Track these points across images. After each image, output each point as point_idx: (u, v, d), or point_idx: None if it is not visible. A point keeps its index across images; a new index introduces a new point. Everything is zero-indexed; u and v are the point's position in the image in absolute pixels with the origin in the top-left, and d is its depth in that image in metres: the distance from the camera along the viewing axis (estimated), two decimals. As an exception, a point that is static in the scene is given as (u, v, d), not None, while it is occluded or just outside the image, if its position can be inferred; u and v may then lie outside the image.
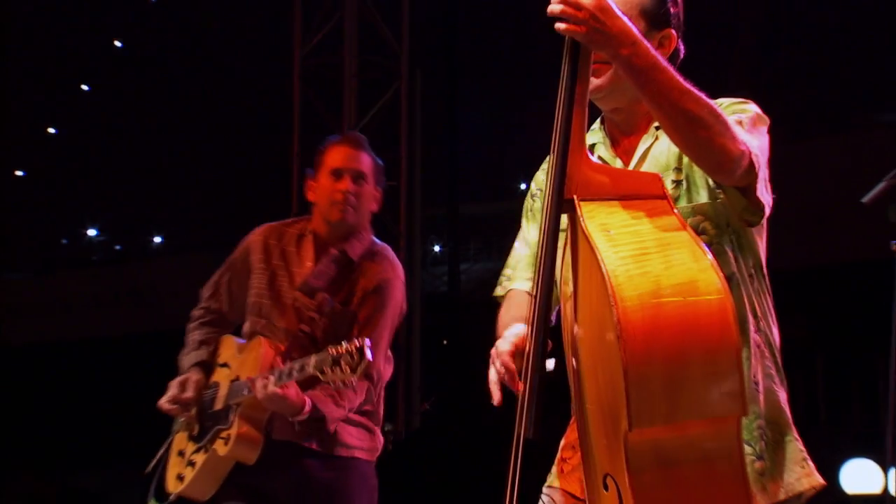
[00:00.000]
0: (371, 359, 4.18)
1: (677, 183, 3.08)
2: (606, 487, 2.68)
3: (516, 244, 3.47)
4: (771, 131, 3.12)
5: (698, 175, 3.08)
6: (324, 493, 4.70)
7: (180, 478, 4.70)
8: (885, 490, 5.49)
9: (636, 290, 2.58)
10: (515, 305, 3.29)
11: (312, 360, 4.31)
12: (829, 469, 9.77)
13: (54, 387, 19.21)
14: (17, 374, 20.17)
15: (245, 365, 4.68)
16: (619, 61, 2.84)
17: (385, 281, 4.75)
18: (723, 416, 2.62)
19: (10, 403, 17.09)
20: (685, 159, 3.07)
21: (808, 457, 3.07)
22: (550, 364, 2.85)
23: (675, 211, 2.78)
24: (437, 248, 17.02)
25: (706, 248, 2.69)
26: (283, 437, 4.62)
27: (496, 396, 2.98)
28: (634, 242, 2.68)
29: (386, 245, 4.94)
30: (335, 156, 4.81)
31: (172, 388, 4.74)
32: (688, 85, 2.84)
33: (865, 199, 3.76)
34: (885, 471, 5.39)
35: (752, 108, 3.08)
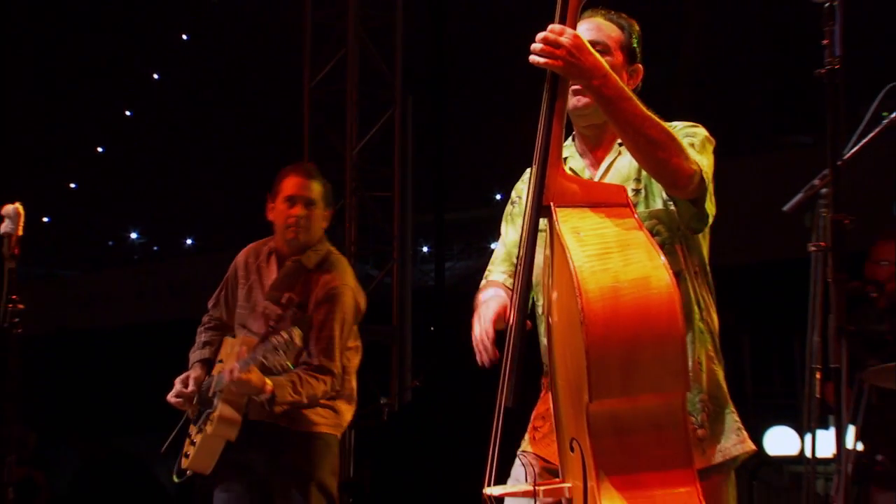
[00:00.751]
0: (300, 344, 4.44)
1: (637, 191, 3.10)
2: (573, 449, 2.72)
3: (497, 245, 3.48)
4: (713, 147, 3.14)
5: (655, 185, 3.10)
6: (292, 460, 4.75)
7: (187, 456, 4.76)
8: (801, 452, 5.48)
9: (598, 284, 2.63)
10: (491, 287, 3.30)
11: (260, 349, 4.51)
12: (755, 435, 9.75)
13: (102, 365, 19.17)
14: (72, 354, 20.14)
15: (229, 360, 4.75)
16: (591, 91, 2.87)
17: (334, 289, 4.81)
18: (670, 391, 2.67)
19: (67, 379, 17.05)
20: (643, 172, 3.09)
21: (742, 427, 3.12)
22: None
23: (636, 216, 2.80)
24: (425, 249, 17.02)
25: (660, 250, 2.73)
26: (258, 418, 4.70)
27: (484, 357, 3.00)
28: (599, 243, 2.72)
29: (341, 255, 5.01)
30: (289, 184, 4.87)
31: (177, 385, 4.81)
32: (648, 112, 2.87)
33: (786, 208, 3.75)
34: (801, 436, 5.38)
35: (702, 132, 3.12)
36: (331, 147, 10.33)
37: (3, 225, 4.36)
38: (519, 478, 3.05)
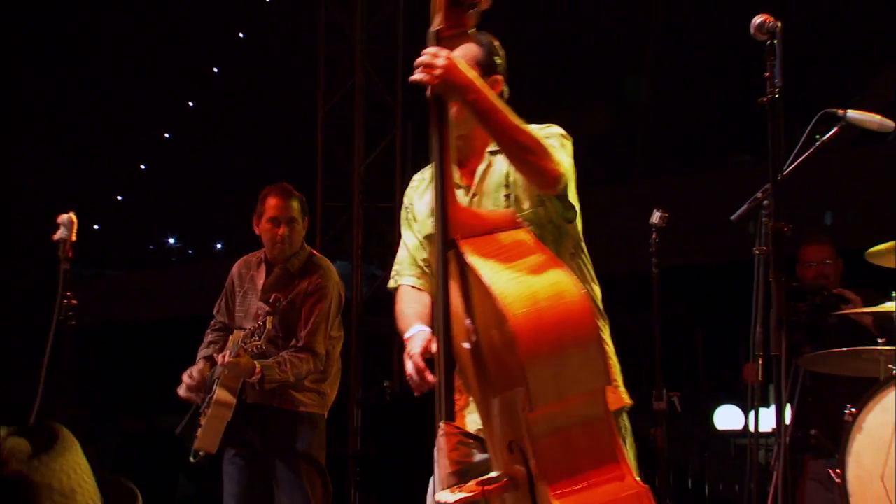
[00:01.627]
0: (270, 328, 4.49)
1: (507, 196, 3.06)
2: (512, 451, 2.62)
3: (401, 247, 3.35)
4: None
5: (521, 191, 3.06)
6: (283, 436, 4.78)
7: (197, 437, 4.74)
8: (745, 427, 5.48)
9: (522, 305, 2.50)
10: (408, 300, 3.21)
11: (241, 336, 4.64)
12: (706, 412, 9.82)
13: (143, 352, 19.16)
14: (117, 344, 20.13)
15: (226, 352, 4.78)
16: (466, 105, 2.82)
17: (319, 285, 4.84)
18: (595, 388, 2.60)
19: (112, 364, 17.04)
20: (510, 180, 3.06)
21: (618, 385, 3.04)
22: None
23: (529, 233, 2.74)
24: (423, 252, 17.01)
25: (562, 263, 2.66)
26: (254, 401, 4.74)
27: (417, 388, 2.96)
28: (508, 266, 2.60)
29: (322, 257, 5.02)
30: (271, 206, 4.90)
31: (184, 379, 4.84)
32: (518, 121, 2.83)
33: (733, 217, 3.76)
34: (746, 413, 5.40)
35: (557, 130, 3.07)
36: (340, 164, 10.35)
37: (59, 232, 4.37)
38: (441, 447, 2.86)
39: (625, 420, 3.08)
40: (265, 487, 4.82)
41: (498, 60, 3.13)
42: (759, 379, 3.17)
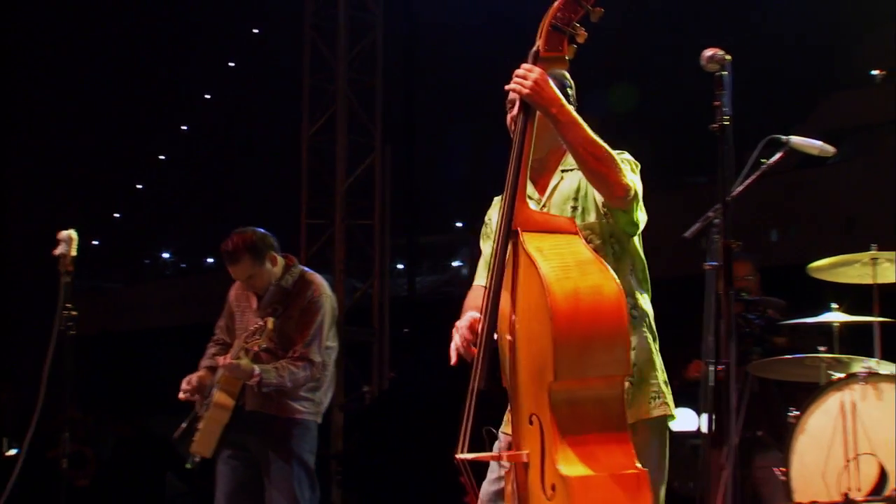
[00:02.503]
0: (271, 328, 4.50)
1: (574, 208, 3.12)
2: (531, 423, 2.76)
3: (481, 259, 3.48)
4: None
5: (590, 203, 3.12)
6: (278, 441, 4.73)
7: (194, 441, 4.71)
8: (699, 428, 5.50)
9: (562, 288, 2.68)
10: (474, 296, 3.30)
11: (243, 338, 4.60)
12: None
13: (137, 360, 19.07)
14: (114, 352, 20.00)
15: (228, 355, 4.76)
16: (549, 117, 2.93)
17: (312, 300, 4.78)
18: (614, 375, 2.73)
19: (109, 371, 16.93)
20: (580, 193, 3.13)
21: (661, 395, 3.12)
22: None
23: (584, 241, 2.87)
24: (400, 266, 16.96)
25: (608, 266, 2.79)
26: (252, 408, 4.68)
27: (454, 358, 3.03)
28: (559, 259, 2.76)
29: (314, 273, 4.96)
30: (228, 270, 4.83)
31: (183, 384, 4.78)
32: (594, 135, 2.93)
33: (687, 234, 3.78)
34: (699, 415, 5.41)
35: (630, 157, 3.12)
36: (323, 184, 10.35)
37: (60, 247, 4.34)
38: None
39: (667, 428, 3.16)
40: (256, 489, 4.78)
41: (571, 92, 3.21)
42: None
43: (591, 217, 3.12)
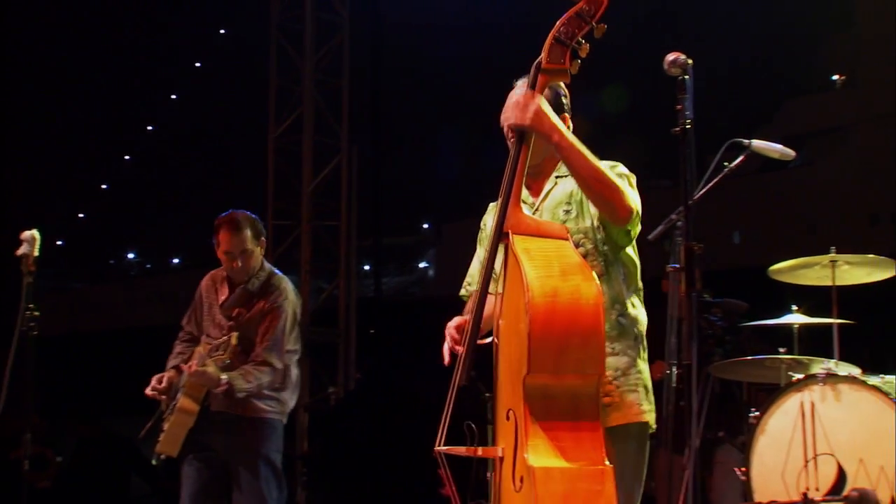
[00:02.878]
0: (235, 344, 4.49)
1: (567, 211, 3.17)
2: (508, 418, 2.84)
3: (473, 261, 3.52)
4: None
5: (584, 207, 3.17)
6: (245, 440, 4.72)
7: (159, 441, 4.68)
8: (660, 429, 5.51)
9: (541, 287, 2.77)
10: (471, 301, 3.34)
11: (208, 349, 4.60)
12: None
13: (102, 360, 18.90)
14: (80, 352, 19.84)
15: (192, 361, 4.74)
16: (552, 143, 2.99)
17: (276, 304, 4.77)
18: (589, 374, 2.80)
19: (73, 372, 16.78)
20: (573, 198, 3.18)
21: (644, 402, 3.13)
22: (487, 339, 3.02)
23: (573, 247, 2.96)
24: (366, 267, 16.92)
25: (593, 272, 2.87)
26: (218, 409, 4.67)
27: (447, 359, 3.12)
28: (544, 261, 2.85)
29: (281, 276, 4.92)
30: (223, 240, 4.77)
31: (153, 381, 4.76)
32: (595, 161, 2.99)
33: (651, 237, 3.80)
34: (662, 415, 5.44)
35: (624, 170, 3.16)
36: (290, 185, 10.32)
37: (23, 247, 4.31)
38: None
39: (647, 433, 3.17)
40: (220, 490, 4.76)
41: (565, 101, 3.26)
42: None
43: (585, 222, 3.16)
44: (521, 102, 2.98)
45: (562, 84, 3.24)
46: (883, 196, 25.15)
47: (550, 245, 2.92)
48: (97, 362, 18.73)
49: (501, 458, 2.87)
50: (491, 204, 3.46)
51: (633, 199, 3.04)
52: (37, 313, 4.20)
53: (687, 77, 2.98)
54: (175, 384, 4.74)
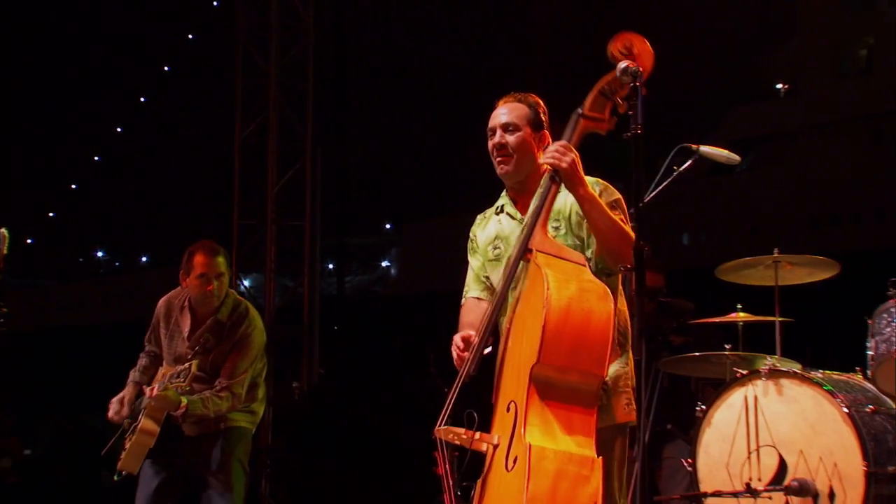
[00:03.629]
0: (195, 371, 4.49)
1: (556, 228, 3.27)
2: (509, 410, 2.94)
3: (468, 270, 3.59)
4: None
5: (571, 224, 3.29)
6: (212, 443, 4.72)
7: (120, 458, 4.65)
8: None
9: (559, 293, 2.92)
10: (468, 312, 3.47)
11: (168, 376, 4.58)
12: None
13: (74, 355, 18.71)
14: (50, 348, 19.64)
15: (154, 384, 4.71)
16: (576, 193, 3.14)
17: (244, 335, 4.75)
18: (593, 374, 2.94)
19: (45, 366, 16.61)
20: (561, 215, 3.30)
21: (629, 404, 3.24)
22: (489, 349, 3.15)
23: (591, 272, 3.08)
24: (330, 266, 16.88)
25: (609, 293, 3.01)
26: (192, 433, 4.70)
27: (457, 362, 3.20)
28: (563, 276, 2.98)
29: (248, 303, 4.89)
30: (199, 264, 4.70)
31: (113, 405, 4.73)
32: (608, 210, 3.15)
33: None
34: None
35: (616, 194, 3.30)
36: (256, 186, 10.26)
37: (-9, 245, 4.23)
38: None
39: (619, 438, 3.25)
40: (177, 492, 4.74)
41: (543, 118, 3.37)
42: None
43: (569, 241, 3.25)
44: (562, 149, 3.10)
45: (540, 102, 3.37)
46: (823, 199, 25.48)
47: (570, 266, 3.04)
48: (68, 357, 18.54)
49: (496, 446, 2.96)
50: (478, 216, 3.55)
51: (629, 231, 3.13)
52: (4, 309, 4.14)
53: (638, 85, 2.99)
54: (136, 404, 4.71)
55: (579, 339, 2.89)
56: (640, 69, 3.02)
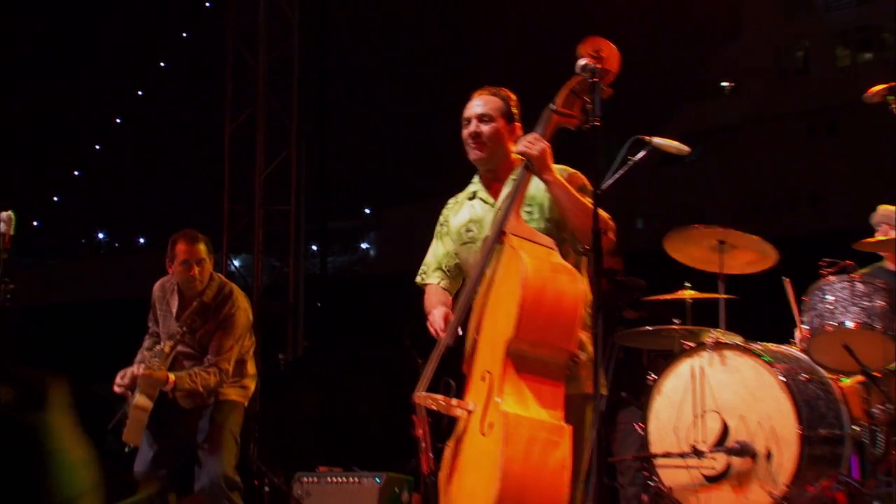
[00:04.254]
0: (168, 352, 4.53)
1: (529, 212, 3.23)
2: (484, 379, 2.93)
3: (430, 252, 3.53)
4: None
5: (544, 208, 3.26)
6: (211, 415, 4.71)
7: (123, 432, 4.63)
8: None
9: (537, 271, 2.92)
10: (435, 294, 3.42)
11: (149, 356, 4.61)
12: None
13: (75, 329, 18.58)
14: (55, 322, 19.51)
15: (141, 364, 4.70)
16: (544, 179, 3.15)
17: (228, 315, 4.72)
18: (562, 349, 2.94)
19: (49, 339, 16.49)
20: (534, 200, 3.26)
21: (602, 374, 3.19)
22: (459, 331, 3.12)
23: (559, 255, 3.05)
24: (314, 248, 16.83)
25: (578, 275, 3.01)
26: (188, 406, 4.68)
27: (440, 335, 3.16)
28: (537, 259, 2.97)
29: (232, 284, 4.87)
30: (181, 251, 4.69)
31: (117, 378, 4.68)
32: (577, 194, 3.14)
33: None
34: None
35: (582, 179, 3.27)
36: (245, 174, 10.24)
37: (-1, 227, 4.20)
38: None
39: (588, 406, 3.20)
40: (174, 460, 4.74)
41: (515, 111, 3.34)
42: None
43: (542, 224, 3.22)
44: (533, 139, 3.11)
45: (511, 96, 3.35)
46: (763, 188, 25.66)
47: (541, 249, 3.02)
48: (71, 331, 18.41)
49: (470, 412, 2.95)
50: (450, 200, 3.51)
51: (606, 217, 3.12)
52: (11, 286, 4.11)
53: (596, 80, 2.99)
54: (136, 379, 4.69)
55: (552, 317, 2.88)
56: (599, 67, 3.01)
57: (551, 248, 3.05)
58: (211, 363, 4.65)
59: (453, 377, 3.11)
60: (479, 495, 2.80)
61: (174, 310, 4.76)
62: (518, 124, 3.33)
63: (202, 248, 4.72)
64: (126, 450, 4.66)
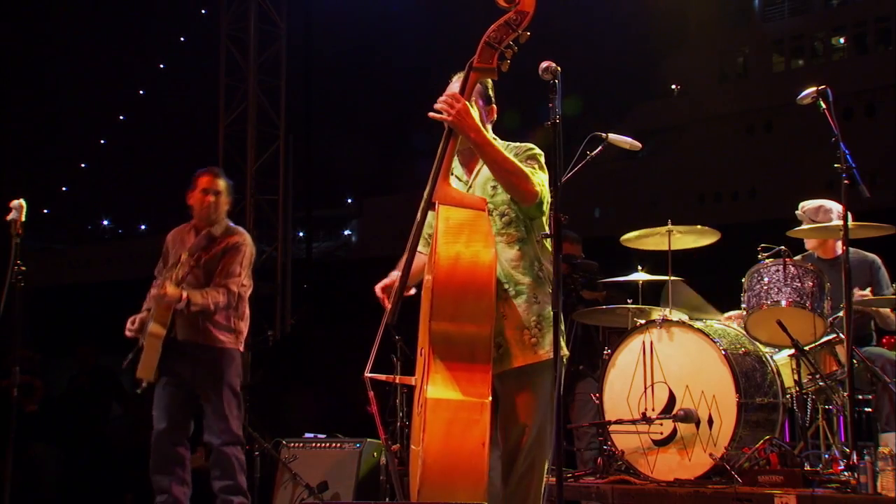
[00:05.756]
0: (180, 276, 4.42)
1: (494, 187, 3.05)
2: (420, 355, 2.83)
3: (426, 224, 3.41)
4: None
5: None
6: (209, 369, 4.61)
7: (137, 368, 4.55)
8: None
9: (447, 252, 2.75)
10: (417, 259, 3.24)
11: (162, 278, 4.57)
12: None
13: (85, 307, 18.44)
14: (61, 303, 19.33)
15: (154, 290, 4.66)
16: (469, 139, 2.91)
17: (235, 242, 4.69)
18: (482, 324, 2.76)
19: (57, 318, 16.35)
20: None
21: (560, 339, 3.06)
22: (412, 291, 3.01)
23: (488, 217, 2.88)
24: (300, 234, 16.75)
25: (494, 241, 2.83)
26: (184, 338, 4.56)
27: (386, 304, 3.01)
28: (457, 229, 2.79)
29: (240, 227, 4.85)
30: (203, 181, 4.73)
31: (128, 323, 4.61)
32: (505, 153, 2.95)
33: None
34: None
35: (534, 150, 3.09)
36: (237, 165, 10.23)
37: (11, 214, 4.17)
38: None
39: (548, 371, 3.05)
40: (188, 411, 4.66)
41: (492, 94, 3.19)
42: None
43: (507, 197, 3.05)
44: (449, 100, 2.89)
45: (489, 82, 3.18)
46: (708, 181, 25.82)
47: (469, 215, 2.85)
48: (77, 310, 18.27)
49: (414, 387, 2.89)
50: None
51: (540, 181, 2.97)
52: (23, 268, 4.07)
53: (557, 81, 2.98)
54: (146, 322, 4.61)
55: (465, 291, 2.73)
56: (526, 12, 2.88)
57: (480, 209, 2.87)
58: (219, 283, 4.58)
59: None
60: (418, 466, 2.78)
61: (189, 242, 4.71)
62: (494, 107, 3.19)
63: (221, 183, 4.75)
64: (139, 390, 4.58)
